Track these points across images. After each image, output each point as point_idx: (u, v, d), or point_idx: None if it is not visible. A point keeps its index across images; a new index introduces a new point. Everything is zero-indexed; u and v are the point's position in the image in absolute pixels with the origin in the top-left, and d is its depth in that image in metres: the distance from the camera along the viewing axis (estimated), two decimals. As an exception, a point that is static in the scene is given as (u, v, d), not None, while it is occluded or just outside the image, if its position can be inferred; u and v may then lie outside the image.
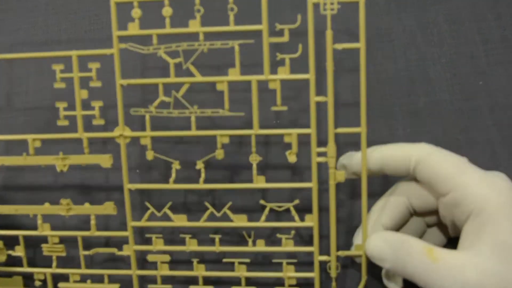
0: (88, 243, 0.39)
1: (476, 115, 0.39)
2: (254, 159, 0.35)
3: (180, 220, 0.36)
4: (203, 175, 0.36)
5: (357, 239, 0.35)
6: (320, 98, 0.33)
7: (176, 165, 0.36)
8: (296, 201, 0.35)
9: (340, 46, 0.33)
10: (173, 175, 0.36)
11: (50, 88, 0.37)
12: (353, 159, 0.34)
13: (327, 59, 0.33)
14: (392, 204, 0.34)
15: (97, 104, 0.36)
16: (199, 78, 0.35)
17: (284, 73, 0.34)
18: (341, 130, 0.34)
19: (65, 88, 0.36)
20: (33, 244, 0.39)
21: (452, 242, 0.35)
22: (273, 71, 0.34)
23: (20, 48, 0.42)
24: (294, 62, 0.34)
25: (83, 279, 0.38)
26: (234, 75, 0.34)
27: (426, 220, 0.35)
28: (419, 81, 0.40)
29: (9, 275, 0.39)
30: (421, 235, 0.36)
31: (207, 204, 0.36)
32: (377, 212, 0.34)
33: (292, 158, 0.35)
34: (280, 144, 0.36)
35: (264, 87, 0.34)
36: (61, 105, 0.36)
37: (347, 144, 0.36)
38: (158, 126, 0.37)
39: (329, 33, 0.33)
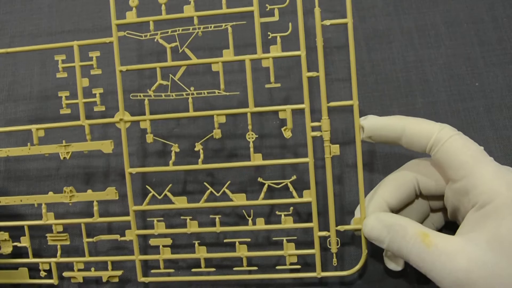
0: (91, 232, 0.39)
1: (473, 115, 0.40)
2: (251, 137, 0.36)
3: (180, 202, 0.37)
4: (201, 156, 0.36)
5: (358, 212, 0.35)
6: (311, 74, 0.35)
7: (175, 148, 0.37)
8: (294, 177, 0.36)
9: (328, 22, 0.34)
10: (173, 157, 0.37)
11: (51, 80, 0.39)
12: (367, 122, 0.34)
13: (316, 36, 0.34)
14: (398, 183, 0.34)
15: (97, 91, 0.37)
16: (195, 60, 0.36)
17: (276, 51, 0.35)
18: (333, 104, 0.35)
19: (65, 78, 0.38)
20: (37, 234, 0.40)
21: (451, 227, 0.35)
22: (265, 50, 0.35)
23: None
24: (285, 40, 0.35)
25: (87, 267, 0.39)
26: (228, 56, 0.35)
27: (431, 204, 0.35)
28: (416, 82, 0.41)
29: (14, 267, 0.39)
30: (424, 218, 0.36)
31: (206, 184, 0.37)
32: (383, 189, 0.34)
33: (287, 133, 0.35)
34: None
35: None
36: (63, 94, 0.37)
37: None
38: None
39: (317, 10, 0.34)
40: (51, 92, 0.43)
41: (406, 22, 0.42)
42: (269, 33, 0.35)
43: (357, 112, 0.34)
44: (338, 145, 0.35)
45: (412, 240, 0.30)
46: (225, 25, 0.35)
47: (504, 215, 0.28)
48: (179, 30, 0.36)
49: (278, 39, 0.35)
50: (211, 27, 0.36)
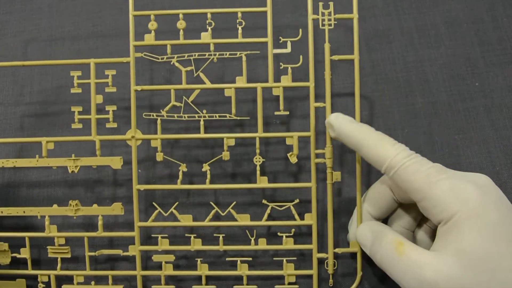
0: (92, 243, 0.40)
1: (473, 115, 0.41)
2: (258, 160, 0.37)
3: (185, 220, 0.38)
4: (209, 176, 0.38)
5: (352, 226, 0.37)
6: (318, 104, 0.37)
7: (183, 168, 0.38)
8: (297, 201, 0.38)
9: (337, 58, 0.37)
10: (180, 176, 0.38)
11: (53, 90, 0.40)
12: (335, 122, 0.35)
13: (325, 69, 0.37)
14: (376, 195, 0.36)
15: (111, 108, 0.38)
16: (209, 85, 0.38)
17: (286, 81, 0.37)
18: (338, 133, 0.37)
19: (67, 82, 0.39)
20: (38, 244, 0.40)
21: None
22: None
23: (24, 50, 0.45)
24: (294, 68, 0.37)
25: (87, 279, 0.39)
26: (241, 82, 0.37)
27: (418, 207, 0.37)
28: (416, 82, 0.42)
29: (12, 277, 0.39)
30: (418, 220, 0.37)
31: (212, 203, 0.38)
32: (366, 202, 0.37)
33: (293, 159, 0.37)
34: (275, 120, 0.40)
35: (261, 70, 0.38)
36: (76, 109, 0.38)
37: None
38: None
39: (327, 46, 0.37)
40: (51, 92, 0.43)
41: (406, 22, 0.43)
42: (280, 63, 0.37)
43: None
44: (339, 172, 0.37)
45: (387, 246, 0.32)
46: (240, 53, 0.37)
47: (462, 230, 0.29)
48: (195, 55, 0.38)
49: (289, 69, 0.37)
50: (226, 54, 0.37)
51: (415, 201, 0.32)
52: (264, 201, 0.38)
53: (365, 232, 0.35)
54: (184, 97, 0.38)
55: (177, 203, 0.38)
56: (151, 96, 0.42)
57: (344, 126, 0.35)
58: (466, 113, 0.41)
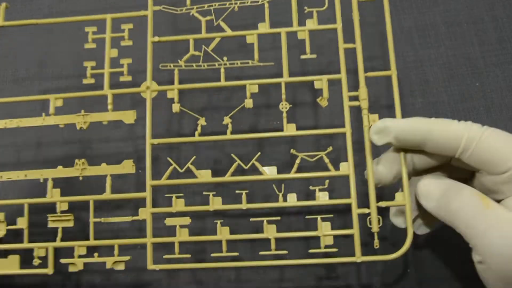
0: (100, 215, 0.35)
1: (473, 115, 0.40)
2: (284, 106, 0.34)
3: (204, 176, 0.33)
4: (230, 127, 0.34)
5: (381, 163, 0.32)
6: (348, 45, 0.34)
7: (202, 121, 0.35)
8: (330, 149, 0.33)
9: (363, -1, 0.35)
10: (199, 129, 0.34)
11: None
12: (392, 124, 0.31)
13: (353, 10, 0.35)
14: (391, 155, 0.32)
15: (125, 61, 0.36)
16: (229, 32, 0.35)
17: (312, 25, 0.35)
18: (371, 74, 0.34)
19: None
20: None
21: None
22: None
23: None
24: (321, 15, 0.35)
25: (90, 252, 0.33)
26: (264, 28, 0.35)
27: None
28: (416, 82, 0.41)
29: (4, 255, 0.34)
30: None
31: (234, 156, 0.34)
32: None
33: (323, 102, 0.34)
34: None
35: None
36: (89, 64, 0.36)
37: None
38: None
39: (353, -14, 0.35)
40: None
41: (406, 22, 0.43)
42: (305, 7, 0.35)
43: (395, 82, 0.33)
44: (377, 114, 0.33)
45: (469, 197, 0.29)
46: (262, 1, 0.36)
47: None
48: (215, 4, 0.36)
49: (315, 13, 0.35)
50: (247, 2, 0.36)
51: (496, 174, 0.29)
52: (292, 151, 0.33)
53: (428, 183, 0.30)
54: (203, 46, 0.36)
55: (194, 157, 0.34)
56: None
57: (402, 123, 0.31)
58: (466, 113, 0.40)
